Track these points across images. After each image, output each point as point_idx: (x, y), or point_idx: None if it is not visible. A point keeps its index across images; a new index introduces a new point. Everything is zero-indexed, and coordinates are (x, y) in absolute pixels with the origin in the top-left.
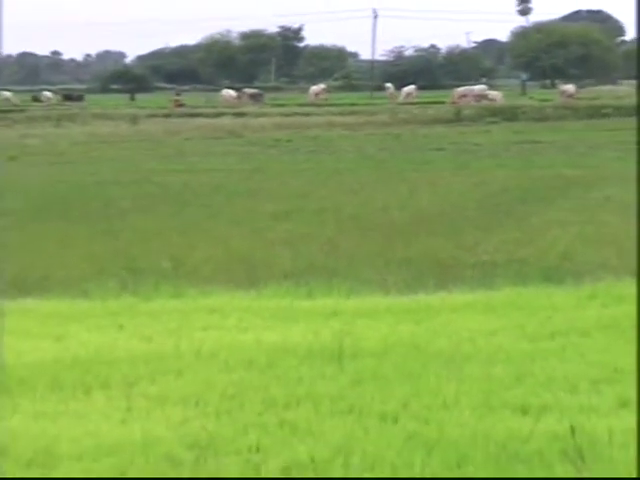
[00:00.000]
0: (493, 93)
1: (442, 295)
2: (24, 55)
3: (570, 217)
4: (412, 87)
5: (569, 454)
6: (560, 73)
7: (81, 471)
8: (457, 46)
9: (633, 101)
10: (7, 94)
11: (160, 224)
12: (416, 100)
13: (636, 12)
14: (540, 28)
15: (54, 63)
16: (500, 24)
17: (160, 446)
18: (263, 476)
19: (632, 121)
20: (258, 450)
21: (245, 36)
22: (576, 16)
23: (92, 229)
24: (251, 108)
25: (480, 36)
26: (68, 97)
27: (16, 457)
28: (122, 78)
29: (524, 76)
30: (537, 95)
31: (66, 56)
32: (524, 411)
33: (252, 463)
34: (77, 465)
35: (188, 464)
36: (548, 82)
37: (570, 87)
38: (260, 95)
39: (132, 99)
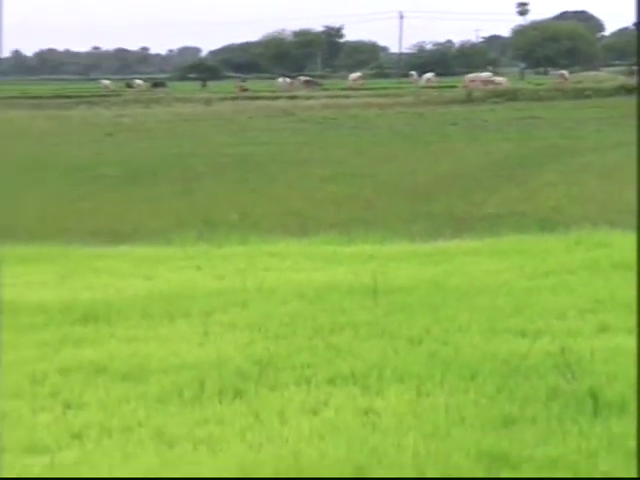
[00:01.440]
0: (499, 78)
1: (457, 242)
2: (119, 50)
3: (560, 179)
4: (431, 74)
5: (560, 368)
6: (552, 62)
7: (168, 382)
8: (468, 41)
9: (611, 84)
10: (106, 82)
11: (229, 186)
12: (434, 85)
13: (636, 12)
14: (536, 26)
15: (143, 57)
16: (503, 23)
17: (231, 363)
18: (313, 386)
19: (610, 100)
20: (309, 366)
21: (297, 34)
22: (565, 16)
23: (175, 190)
24: (302, 92)
25: (487, 33)
26: (155, 84)
27: (113, 373)
28: (197, 69)
29: (522, 65)
30: (533, 80)
31: (153, 51)
32: (523, 334)
33: (304, 376)
34: (164, 378)
35: (253, 377)
36: (542, 69)
37: (565, 72)
38: (312, 82)
39: (204, 86)
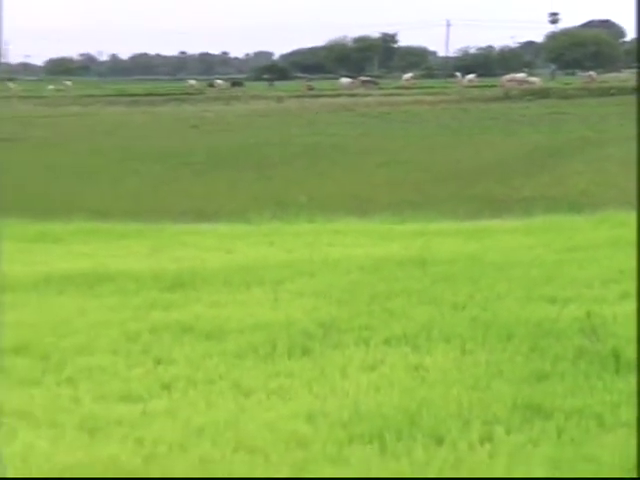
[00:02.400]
0: (532, 79)
1: (495, 221)
2: (203, 54)
3: (586, 167)
4: (473, 75)
5: (586, 331)
6: (579, 64)
7: (244, 341)
8: (506, 46)
9: (632, 84)
10: (192, 82)
11: (299, 172)
12: (476, 84)
13: (636, 13)
14: (565, 33)
15: (224, 60)
16: (537, 30)
17: (298, 324)
18: (370, 346)
19: (631, 98)
20: (367, 328)
21: (356, 40)
22: (591, 24)
23: (251, 175)
24: (361, 90)
25: (523, 39)
26: (234, 84)
27: (197, 332)
28: (270, 70)
29: (553, 67)
30: (563, 80)
31: (232, 55)
32: (553, 301)
33: (363, 337)
34: (241, 337)
35: (318, 337)
36: (571, 71)
37: (593, 73)
38: (369, 81)
39: (271, 85)
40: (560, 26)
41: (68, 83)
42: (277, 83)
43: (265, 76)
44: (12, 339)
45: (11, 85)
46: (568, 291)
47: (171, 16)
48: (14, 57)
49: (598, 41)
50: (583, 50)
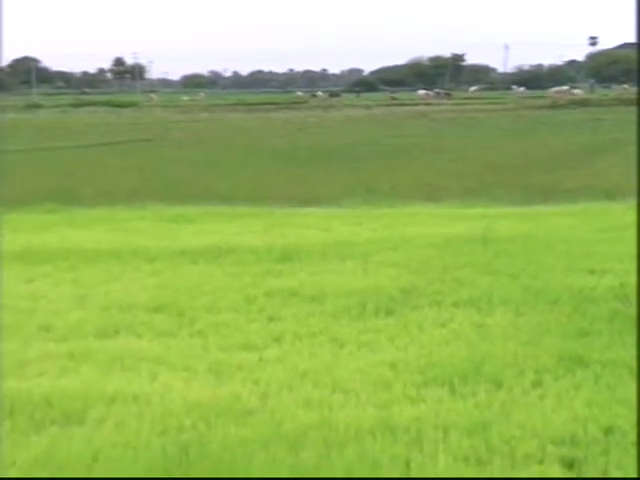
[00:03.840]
0: (575, 91)
1: (544, 206)
2: (307, 71)
3: (619, 162)
4: (523, 88)
5: (619, 297)
6: (614, 79)
7: (340, 303)
8: (554, 63)
9: None
10: (298, 93)
11: (384, 165)
12: (529, 96)
13: (636, 16)
14: (602, 53)
15: (323, 75)
16: (579, 50)
17: (383, 290)
18: (442, 308)
19: None
20: (439, 293)
21: (431, 59)
22: (624, 46)
23: (345, 168)
24: (434, 100)
25: (567, 57)
26: (331, 95)
27: (302, 296)
28: (361, 84)
29: (592, 81)
30: (600, 92)
31: (330, 71)
32: (592, 272)
33: (436, 300)
34: (337, 300)
35: (399, 300)
36: (607, 85)
37: (626, 86)
38: (441, 93)
39: (358, 96)
40: (598, 48)
41: (201, 94)
42: (366, 95)
43: (356, 89)
44: (154, 300)
45: (153, 96)
46: (604, 264)
47: (281, 39)
48: (155, 74)
49: (629, 60)
50: (617, 67)
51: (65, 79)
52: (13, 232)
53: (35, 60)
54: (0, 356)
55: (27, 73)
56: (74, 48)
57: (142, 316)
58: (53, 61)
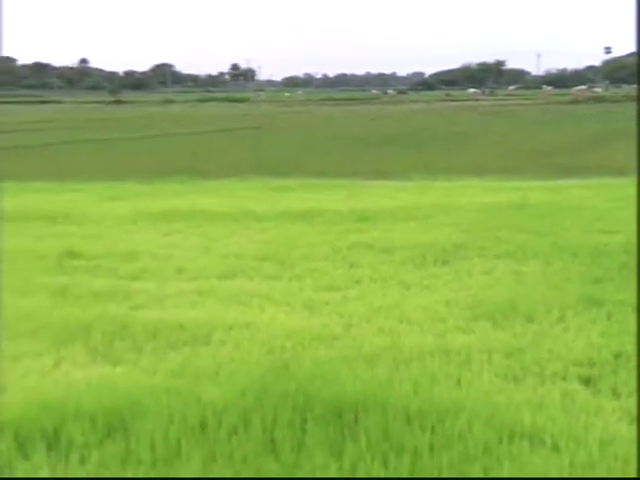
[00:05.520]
0: (596, 89)
1: (565, 181)
2: (380, 74)
3: (628, 145)
4: (550, 87)
5: (627, 252)
6: (625, 81)
7: (406, 254)
8: (575, 68)
9: None
10: (374, 91)
11: (440, 147)
12: (555, 93)
13: (636, 19)
14: (615, 60)
15: (393, 77)
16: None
17: (439, 244)
18: (487, 259)
19: None
20: (483, 248)
21: (479, 64)
22: (632, 54)
23: (409, 150)
24: (481, 97)
25: (587, 63)
26: (400, 92)
27: (376, 248)
28: (422, 84)
29: (607, 82)
30: (613, 91)
31: (399, 74)
32: (605, 232)
33: (481, 253)
34: (404, 251)
35: (452, 253)
36: (618, 85)
37: (635, 86)
38: (487, 91)
39: (417, 93)
40: (612, 55)
41: (299, 92)
42: (426, 92)
43: (419, 87)
44: (261, 250)
45: (260, 94)
46: (615, 226)
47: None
48: (263, 76)
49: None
50: (626, 71)
51: (193, 80)
52: (154, 198)
53: (170, 65)
54: (141, 293)
55: (164, 75)
56: (200, 55)
57: (253, 263)
58: (184, 66)
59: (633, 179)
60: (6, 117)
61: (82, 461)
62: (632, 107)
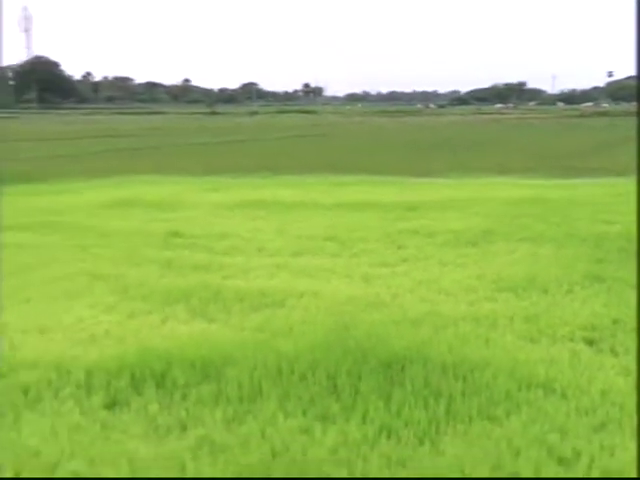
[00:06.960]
0: (603, 105)
1: (576, 180)
2: (424, 91)
3: (629, 151)
4: (562, 104)
5: (625, 239)
6: (624, 99)
7: (443, 238)
8: (584, 88)
9: None
10: (419, 105)
11: (472, 152)
12: (566, 109)
13: (636, 48)
14: (616, 82)
15: (435, 94)
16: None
17: (470, 231)
18: (511, 242)
19: None
20: (507, 233)
21: (505, 84)
22: (631, 78)
23: (447, 154)
24: (506, 111)
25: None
26: (439, 106)
27: (422, 234)
28: (458, 100)
29: (610, 99)
30: (615, 107)
31: (439, 91)
32: (607, 223)
33: (507, 238)
34: (442, 235)
35: (481, 236)
36: (618, 102)
37: (634, 104)
38: (510, 106)
39: (453, 107)
40: (613, 78)
41: (359, 105)
42: (461, 107)
43: (455, 102)
44: (326, 233)
45: (326, 107)
46: (616, 217)
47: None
48: (329, 92)
49: (633, 87)
50: (626, 92)
51: (273, 96)
52: (242, 190)
53: (255, 84)
54: (230, 266)
55: (250, 92)
56: (279, 76)
57: (319, 243)
58: (266, 84)
59: (632, 179)
60: (124, 125)
61: (184, 397)
62: (632, 120)
